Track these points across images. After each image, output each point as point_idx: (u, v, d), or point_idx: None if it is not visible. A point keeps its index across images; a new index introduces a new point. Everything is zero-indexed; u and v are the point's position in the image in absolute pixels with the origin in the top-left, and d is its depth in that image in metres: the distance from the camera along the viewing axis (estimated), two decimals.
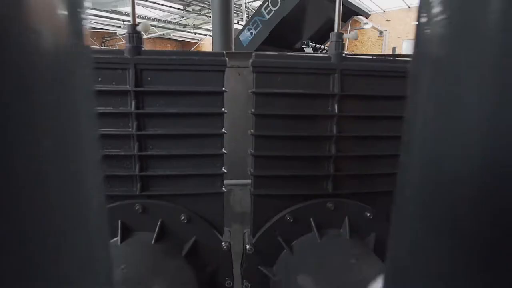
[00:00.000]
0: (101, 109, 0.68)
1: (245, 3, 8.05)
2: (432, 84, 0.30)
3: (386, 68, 0.74)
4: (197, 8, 8.53)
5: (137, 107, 0.69)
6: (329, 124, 0.75)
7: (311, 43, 3.68)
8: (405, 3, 10.43)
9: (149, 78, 0.69)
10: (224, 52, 0.70)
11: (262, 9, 3.81)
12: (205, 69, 0.69)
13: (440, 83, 0.29)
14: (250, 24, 3.99)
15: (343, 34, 0.72)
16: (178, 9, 9.09)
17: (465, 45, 0.26)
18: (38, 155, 0.21)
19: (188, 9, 8.96)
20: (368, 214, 0.81)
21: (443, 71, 0.28)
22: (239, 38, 4.14)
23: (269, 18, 3.77)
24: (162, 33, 11.78)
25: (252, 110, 0.73)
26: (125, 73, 0.68)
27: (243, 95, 1.27)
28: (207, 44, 13.55)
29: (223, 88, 0.72)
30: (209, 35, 11.48)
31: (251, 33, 4.04)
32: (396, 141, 0.79)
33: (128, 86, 0.68)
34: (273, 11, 3.75)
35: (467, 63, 0.26)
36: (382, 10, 11.19)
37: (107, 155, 0.71)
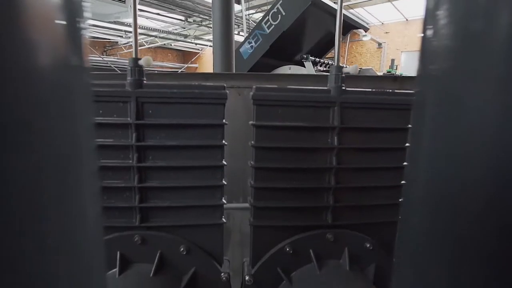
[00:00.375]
0: (102, 141, 0.69)
1: (246, 15, 8.18)
2: (437, 99, 0.30)
3: (385, 101, 0.75)
4: (198, 19, 8.64)
5: (137, 140, 0.69)
6: (328, 156, 0.75)
7: (310, 57, 3.72)
8: (403, 15, 10.58)
9: (150, 111, 0.70)
10: (224, 84, 0.70)
11: (263, 23, 3.86)
12: (205, 102, 0.70)
13: (444, 99, 0.29)
14: (250, 37, 4.05)
15: (343, 67, 0.73)
16: (180, 20, 9.21)
17: (470, 59, 0.26)
18: (35, 188, 0.21)
19: (189, 20, 9.07)
20: (368, 245, 0.81)
21: (448, 87, 0.29)
22: (239, 51, 4.18)
23: (269, 32, 3.83)
24: (163, 43, 11.91)
25: (252, 142, 0.74)
26: (126, 106, 0.69)
27: (243, 112, 1.27)
28: (208, 54, 13.68)
29: (224, 121, 0.72)
30: (210, 46, 11.60)
31: (252, 46, 4.09)
32: (395, 172, 0.79)
33: (129, 119, 0.69)
34: (273, 25, 3.81)
35: (472, 78, 0.26)
36: (380, 23, 11.35)
37: (107, 187, 0.71)
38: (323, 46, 4.79)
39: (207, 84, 0.71)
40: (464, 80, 0.27)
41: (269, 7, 7.92)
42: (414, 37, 10.83)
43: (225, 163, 0.75)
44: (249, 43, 4.11)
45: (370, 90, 0.76)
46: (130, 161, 0.71)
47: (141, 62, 0.67)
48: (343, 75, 0.73)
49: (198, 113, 0.71)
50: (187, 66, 13.63)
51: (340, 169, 0.76)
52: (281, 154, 0.74)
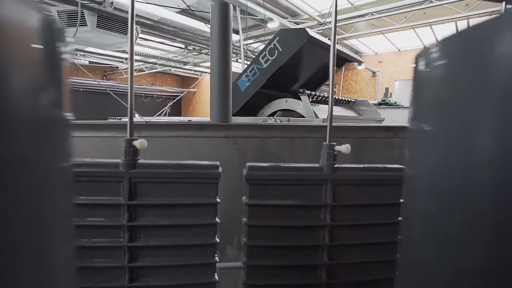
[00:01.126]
0: (93, 220, 0.68)
1: (244, 44, 8.43)
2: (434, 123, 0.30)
3: (377, 177, 0.76)
4: (198, 47, 8.88)
5: (129, 219, 0.69)
6: (321, 233, 0.75)
7: (306, 91, 3.80)
8: (395, 46, 10.99)
9: (143, 190, 0.70)
10: (217, 163, 0.71)
11: (260, 58, 3.98)
12: (199, 181, 0.70)
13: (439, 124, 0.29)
14: (248, 71, 4.15)
15: (335, 145, 0.75)
16: (179, 47, 9.47)
17: (463, 88, 0.27)
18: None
19: (189, 47, 9.33)
20: None
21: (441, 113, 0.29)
22: (237, 84, 4.28)
23: (266, 67, 3.93)
24: (163, 69, 12.16)
25: (245, 219, 0.74)
26: (119, 185, 0.69)
27: (237, 159, 1.28)
28: (206, 79, 13.96)
29: (217, 199, 0.72)
30: (208, 72, 11.83)
31: (249, 80, 4.19)
32: (388, 247, 0.79)
33: (121, 198, 0.69)
34: (270, 60, 3.93)
35: (466, 106, 0.26)
36: (374, 52, 11.76)
37: (96, 267, 0.70)
38: (319, 78, 4.91)
39: (201, 163, 0.71)
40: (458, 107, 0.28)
41: (266, 37, 8.19)
42: (406, 67, 11.19)
43: (217, 240, 0.74)
44: (247, 76, 4.21)
45: (362, 166, 0.77)
46: (121, 240, 0.70)
47: (135, 143, 0.68)
48: (335, 152, 0.74)
49: (191, 192, 0.71)
50: (186, 92, 13.83)
51: (332, 245, 0.75)
52: (274, 231, 0.74)
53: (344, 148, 0.73)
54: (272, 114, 4.21)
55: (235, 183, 1.26)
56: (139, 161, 0.71)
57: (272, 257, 0.75)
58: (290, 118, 3.70)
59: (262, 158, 1.30)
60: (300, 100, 3.91)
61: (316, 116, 3.73)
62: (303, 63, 4.34)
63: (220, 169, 0.71)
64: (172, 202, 0.70)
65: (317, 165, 0.75)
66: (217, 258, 0.81)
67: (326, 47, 4.01)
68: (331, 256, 0.76)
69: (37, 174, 0.24)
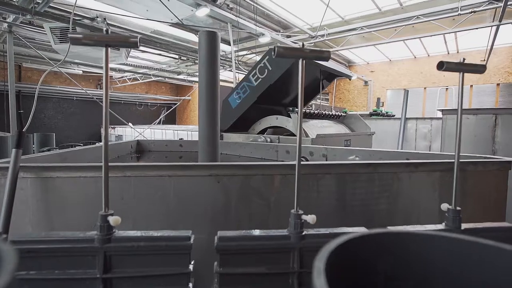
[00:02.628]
0: None
1: (235, 56, 8.51)
2: None
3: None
4: (192, 57, 8.93)
5: None
6: None
7: (296, 109, 3.86)
8: (386, 56, 11.20)
9: (118, 263, 0.73)
10: (189, 234, 0.75)
11: (250, 76, 4.04)
12: (172, 252, 0.74)
13: None
14: (238, 88, 4.21)
15: (301, 215, 0.79)
16: (173, 57, 9.52)
17: None
18: None
19: (183, 57, 9.39)
20: None
21: None
22: (228, 101, 4.33)
23: (256, 85, 3.99)
24: (157, 78, 12.20)
25: (216, 286, 0.77)
26: (94, 259, 0.72)
27: (222, 196, 1.31)
28: None
29: (190, 268, 0.76)
30: None
31: (240, 97, 4.24)
32: None
33: (96, 271, 0.72)
34: (261, 79, 3.98)
35: None
36: (366, 62, 11.95)
37: None
38: (310, 92, 4.99)
39: (173, 235, 0.75)
40: None
41: (258, 49, 8.28)
42: (397, 76, 11.39)
43: None
44: (237, 93, 4.27)
45: (328, 232, 0.81)
46: None
47: (110, 220, 0.72)
48: (302, 221, 0.79)
49: (165, 263, 0.74)
50: (181, 101, 13.87)
51: None
52: None
53: (310, 218, 0.77)
54: (263, 131, 4.26)
55: (219, 220, 1.30)
56: (114, 234, 0.74)
57: None
58: (280, 136, 3.75)
59: (245, 194, 1.35)
60: (290, 117, 3.97)
61: (306, 135, 3.78)
62: (293, 80, 4.41)
63: (192, 239, 0.75)
64: (146, 274, 0.73)
65: (285, 232, 0.79)
66: None
67: (314, 64, 4.08)
68: None
69: None
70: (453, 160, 1.54)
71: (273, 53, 0.73)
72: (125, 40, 0.69)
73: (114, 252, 0.72)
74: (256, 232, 0.79)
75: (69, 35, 0.66)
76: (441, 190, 1.50)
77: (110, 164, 1.23)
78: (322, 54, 0.77)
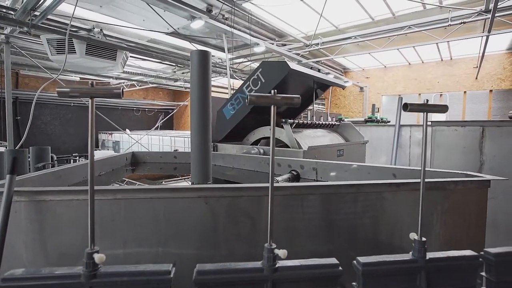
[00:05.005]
0: None
1: (231, 64, 8.60)
2: None
3: (314, 275, 0.86)
4: (188, 65, 9.02)
5: None
6: None
7: (289, 120, 3.93)
8: (381, 63, 11.33)
9: None
10: (169, 268, 0.80)
11: (244, 87, 4.11)
12: (153, 287, 0.79)
13: None
14: (233, 99, 4.28)
15: (274, 249, 0.85)
16: (169, 64, 9.60)
17: None
18: None
19: (179, 65, 9.47)
20: None
21: None
22: (222, 111, 4.40)
23: None
24: (154, 85, 12.27)
25: None
26: None
27: (209, 218, 1.35)
28: None
29: None
30: None
31: (234, 108, 4.31)
32: None
33: None
34: (254, 91, 4.05)
35: None
36: (361, 68, 12.08)
37: None
38: (304, 101, 5.07)
39: (154, 269, 0.81)
40: None
41: (253, 58, 8.36)
42: (392, 82, 11.53)
43: None
44: (231, 104, 4.34)
45: (300, 264, 0.87)
46: None
47: (95, 257, 0.77)
48: (275, 255, 0.85)
49: None
50: (178, 108, 13.93)
51: None
52: None
53: (282, 253, 0.83)
54: (257, 141, 4.32)
55: (208, 239, 1.34)
56: (99, 269, 0.80)
57: None
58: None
59: (233, 214, 1.40)
60: (283, 128, 4.03)
61: (299, 146, 3.84)
62: (286, 92, 4.47)
63: (172, 273, 0.80)
64: None
65: (259, 265, 0.85)
66: None
67: (307, 76, 4.16)
68: None
69: None
70: (434, 180, 1.59)
71: (246, 101, 0.79)
72: (109, 92, 0.75)
73: (99, 287, 0.78)
74: (233, 265, 0.85)
75: (57, 89, 0.72)
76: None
77: (102, 188, 1.28)
78: (292, 100, 0.83)
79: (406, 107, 0.92)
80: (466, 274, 0.94)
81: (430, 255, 0.94)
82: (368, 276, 0.89)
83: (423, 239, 0.94)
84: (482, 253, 0.99)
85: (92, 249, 0.79)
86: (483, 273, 1.00)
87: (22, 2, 4.26)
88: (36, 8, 4.15)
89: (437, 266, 0.92)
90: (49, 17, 4.62)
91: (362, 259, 0.90)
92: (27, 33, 4.75)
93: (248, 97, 0.80)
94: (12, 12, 4.53)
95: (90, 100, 0.73)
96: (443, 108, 0.95)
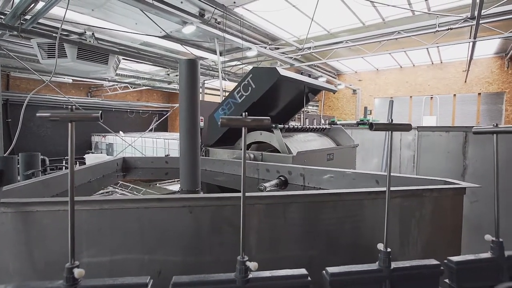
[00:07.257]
0: None
1: (224, 66, 8.64)
2: None
3: (285, 285, 0.92)
4: None
5: None
6: None
7: (279, 125, 3.99)
8: (373, 66, 11.48)
9: None
10: (146, 281, 0.84)
11: (235, 93, 4.15)
12: None
13: None
14: (224, 104, 4.32)
15: (245, 261, 0.91)
16: (163, 67, 9.61)
17: None
18: None
19: (172, 68, 9.48)
20: None
21: None
22: (213, 116, 4.44)
23: (241, 102, 4.10)
24: (149, 87, 12.24)
25: None
26: None
27: (193, 226, 1.39)
28: None
29: None
30: None
31: (225, 113, 4.35)
32: None
33: None
34: (245, 96, 4.10)
35: None
36: (353, 71, 12.22)
37: None
38: (292, 108, 5.14)
39: (131, 282, 0.85)
40: None
41: (245, 61, 8.40)
42: (384, 85, 11.68)
43: None
44: (223, 109, 4.38)
45: (271, 275, 0.92)
46: None
47: (75, 272, 0.82)
48: (247, 266, 0.90)
49: None
50: (173, 109, 13.90)
51: None
52: None
53: (252, 265, 0.89)
54: (248, 146, 4.36)
55: (193, 247, 1.38)
56: (80, 283, 0.84)
57: None
58: (263, 153, 3.86)
59: (217, 223, 1.43)
60: (273, 133, 4.08)
61: (289, 151, 3.89)
62: (277, 97, 4.54)
63: (149, 286, 0.85)
64: None
65: (232, 276, 0.90)
66: None
67: (297, 82, 4.22)
68: None
69: None
70: (410, 188, 1.65)
71: (219, 123, 0.84)
72: (88, 117, 0.80)
73: None
74: (207, 277, 0.90)
75: (37, 114, 0.76)
76: (401, 215, 1.61)
77: (88, 198, 1.32)
78: (262, 122, 0.89)
79: (372, 126, 0.98)
80: (428, 282, 1.01)
81: (395, 264, 1.00)
82: (336, 286, 0.95)
83: (388, 249, 1.00)
84: (445, 261, 1.05)
85: (72, 264, 0.84)
86: (446, 280, 1.07)
87: (12, 6, 4.26)
88: (26, 13, 4.15)
89: (401, 275, 0.98)
90: (40, 20, 4.62)
91: (330, 269, 0.96)
92: (18, 36, 4.74)
93: (220, 120, 0.85)
94: (2, 16, 4.52)
95: (70, 124, 0.77)
96: (406, 127, 1.01)
